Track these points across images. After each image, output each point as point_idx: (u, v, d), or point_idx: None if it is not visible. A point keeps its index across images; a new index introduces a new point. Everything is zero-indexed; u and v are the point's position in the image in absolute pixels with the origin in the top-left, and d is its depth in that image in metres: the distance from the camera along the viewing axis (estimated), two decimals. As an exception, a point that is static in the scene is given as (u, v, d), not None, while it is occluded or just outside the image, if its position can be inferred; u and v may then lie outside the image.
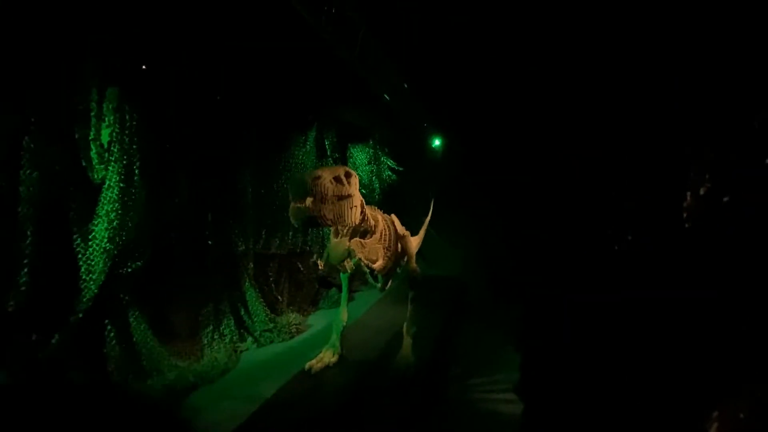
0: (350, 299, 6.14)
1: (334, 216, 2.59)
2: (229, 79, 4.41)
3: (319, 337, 4.82)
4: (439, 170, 7.19)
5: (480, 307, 5.91)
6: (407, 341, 3.64)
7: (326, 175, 2.54)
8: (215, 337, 4.29)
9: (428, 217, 5.37)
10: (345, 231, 3.13)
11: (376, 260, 3.16)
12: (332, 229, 3.20)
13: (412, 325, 3.69)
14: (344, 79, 5.56)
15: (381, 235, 3.27)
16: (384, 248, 3.29)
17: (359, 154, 6.75)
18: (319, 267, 3.34)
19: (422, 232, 4.83)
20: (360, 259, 3.06)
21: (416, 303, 3.76)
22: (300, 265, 5.61)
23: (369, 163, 6.90)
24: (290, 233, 5.43)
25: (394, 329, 4.05)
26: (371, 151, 6.88)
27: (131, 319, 3.61)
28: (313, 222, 2.47)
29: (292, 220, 2.47)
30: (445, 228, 7.27)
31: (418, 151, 7.44)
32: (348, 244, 3.09)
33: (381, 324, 4.33)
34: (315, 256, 3.20)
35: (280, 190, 5.28)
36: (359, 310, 5.46)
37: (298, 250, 5.59)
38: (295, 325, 4.91)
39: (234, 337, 4.38)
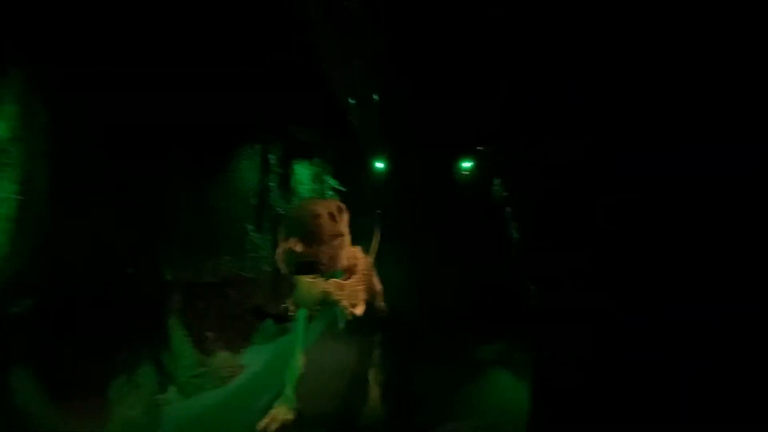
0: (286, 331, 5.58)
1: (328, 259, 2.22)
2: (166, 80, 3.72)
3: (260, 381, 4.20)
4: (384, 194, 7.00)
5: (424, 340, 5.76)
6: (375, 391, 3.29)
7: (324, 212, 2.17)
8: (128, 389, 3.44)
9: (375, 244, 5.12)
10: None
11: (356, 305, 2.80)
12: None
13: (380, 371, 3.36)
14: (293, 93, 5.16)
15: (361, 275, 2.92)
16: (363, 290, 2.94)
17: (304, 172, 6.26)
18: (290, 311, 2.88)
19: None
20: (340, 303, 2.67)
21: (384, 347, 3.45)
22: (233, 295, 4.90)
23: (313, 181, 6.44)
24: (226, 258, 4.72)
25: (349, 370, 3.66)
26: (317, 169, 6.44)
27: (14, 376, 2.70)
28: (308, 268, 2.07)
29: (282, 266, 2.04)
30: (385, 255, 7.06)
31: (363, 173, 7.17)
32: (324, 285, 2.69)
33: (333, 364, 3.86)
34: (287, 301, 2.73)
35: (217, 210, 4.60)
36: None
37: (233, 278, 4.88)
38: (230, 367, 4.21)
39: (153, 388, 3.58)
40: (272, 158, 5.54)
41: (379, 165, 7.58)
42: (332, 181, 7.00)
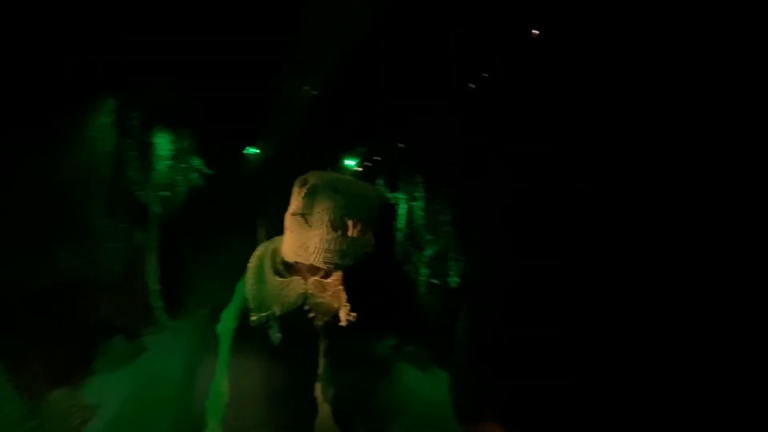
0: (141, 350, 4.38)
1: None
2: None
3: (123, 424, 3.05)
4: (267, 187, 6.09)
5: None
6: (325, 409, 2.76)
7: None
8: None
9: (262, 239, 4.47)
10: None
11: (338, 308, 2.30)
12: (261, 258, 2.22)
13: (329, 386, 2.83)
14: (165, 39, 4.03)
15: (341, 273, 2.42)
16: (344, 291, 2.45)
17: (165, 144, 4.92)
18: (252, 318, 2.21)
19: None
20: (327, 307, 2.16)
21: (331, 357, 2.94)
22: (70, 305, 3.41)
23: (174, 158, 5.14)
24: (62, 253, 3.26)
25: (290, 390, 2.98)
26: (182, 144, 5.15)
27: None
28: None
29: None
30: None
31: (238, 157, 6.11)
32: (305, 285, 2.15)
33: (268, 385, 3.04)
34: (273, 308, 2.01)
35: (51, 185, 3.16)
36: (173, 369, 3.83)
37: (70, 281, 3.40)
38: (76, 411, 2.91)
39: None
40: (130, 121, 4.16)
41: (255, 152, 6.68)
42: (196, 162, 5.76)
